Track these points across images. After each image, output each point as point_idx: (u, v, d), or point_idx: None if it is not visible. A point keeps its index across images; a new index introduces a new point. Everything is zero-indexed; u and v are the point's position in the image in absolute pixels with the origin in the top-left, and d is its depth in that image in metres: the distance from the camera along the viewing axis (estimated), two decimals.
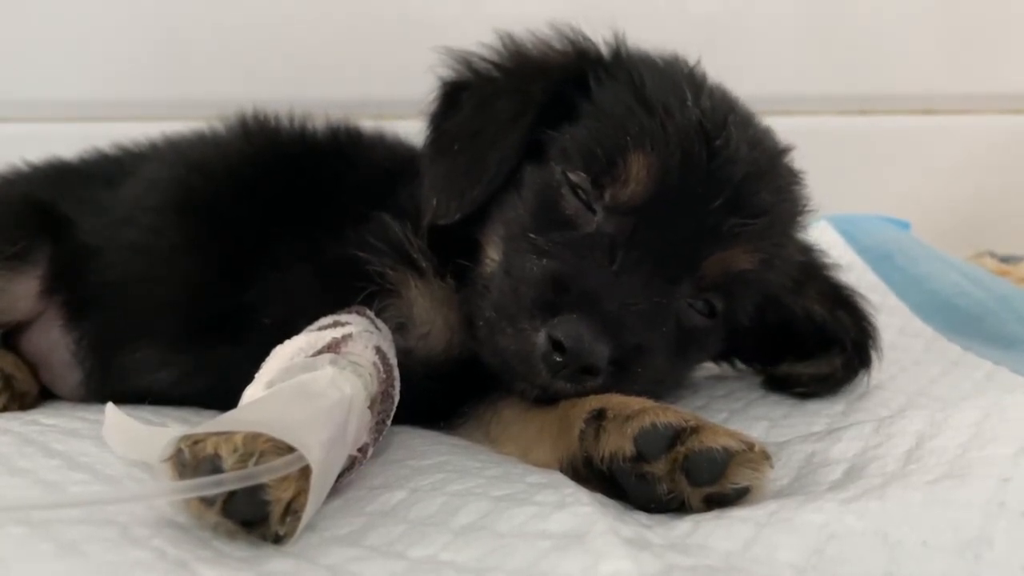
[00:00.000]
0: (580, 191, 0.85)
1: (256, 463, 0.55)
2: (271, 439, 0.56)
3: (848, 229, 1.46)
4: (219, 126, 1.10)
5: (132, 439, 0.60)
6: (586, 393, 0.77)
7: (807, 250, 1.03)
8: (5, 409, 0.97)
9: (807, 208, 0.97)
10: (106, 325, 1.02)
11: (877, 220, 1.52)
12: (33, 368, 1.06)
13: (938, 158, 1.80)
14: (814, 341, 1.02)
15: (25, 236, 1.02)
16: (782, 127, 1.75)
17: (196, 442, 0.56)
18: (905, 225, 1.54)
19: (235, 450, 0.55)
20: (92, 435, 0.77)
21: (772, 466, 0.67)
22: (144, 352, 0.99)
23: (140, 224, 1.02)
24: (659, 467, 0.66)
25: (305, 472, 0.57)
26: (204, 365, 0.95)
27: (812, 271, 1.02)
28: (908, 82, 1.77)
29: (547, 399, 0.80)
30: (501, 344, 0.80)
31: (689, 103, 0.85)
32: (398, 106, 1.36)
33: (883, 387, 1.05)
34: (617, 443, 0.68)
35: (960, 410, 0.76)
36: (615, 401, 0.74)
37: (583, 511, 0.62)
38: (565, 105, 0.90)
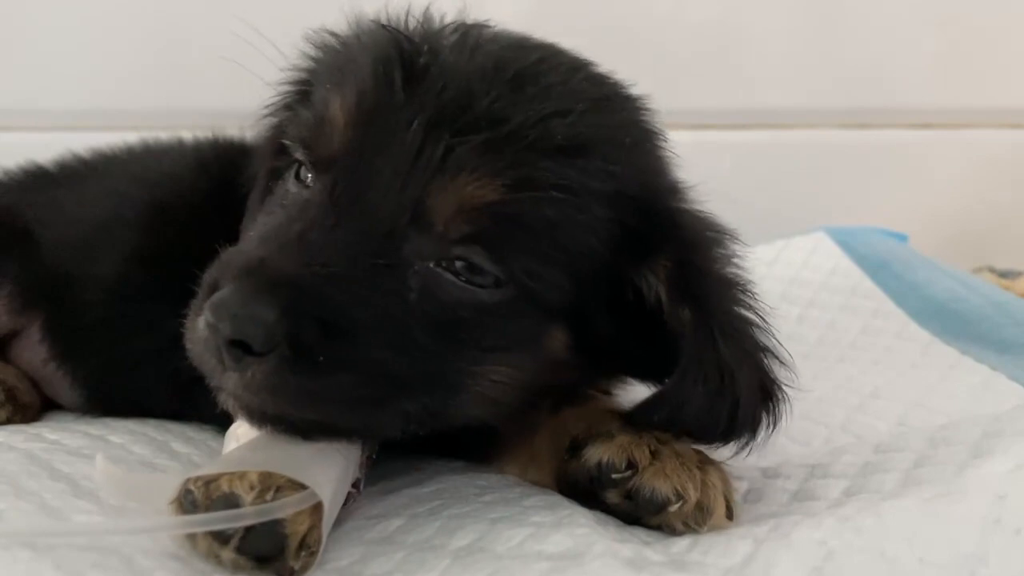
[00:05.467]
0: (302, 170, 0.72)
1: (273, 498, 0.56)
2: (283, 475, 0.57)
3: (846, 240, 1.47)
4: (186, 146, 1.08)
5: (129, 488, 0.60)
6: (258, 388, 0.59)
7: (660, 192, 0.74)
8: (8, 422, 0.96)
9: (618, 124, 0.73)
10: (92, 366, 1.00)
11: (875, 232, 1.52)
12: (33, 379, 1.07)
13: (936, 172, 1.80)
14: None
15: None
16: (781, 140, 1.78)
17: (209, 482, 0.57)
18: (903, 238, 1.55)
19: (252, 487, 0.56)
20: (95, 456, 0.77)
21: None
22: (134, 391, 0.98)
23: (105, 265, 0.98)
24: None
25: (316, 508, 0.58)
26: (192, 406, 0.92)
27: (669, 230, 0.71)
28: (907, 96, 1.77)
29: (256, 411, 0.63)
30: (188, 350, 0.65)
31: (383, 29, 0.72)
32: None
33: (879, 395, 1.05)
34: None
35: (958, 428, 0.77)
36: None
37: (580, 532, 0.62)
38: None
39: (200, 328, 0.60)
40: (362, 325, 0.61)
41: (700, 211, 0.75)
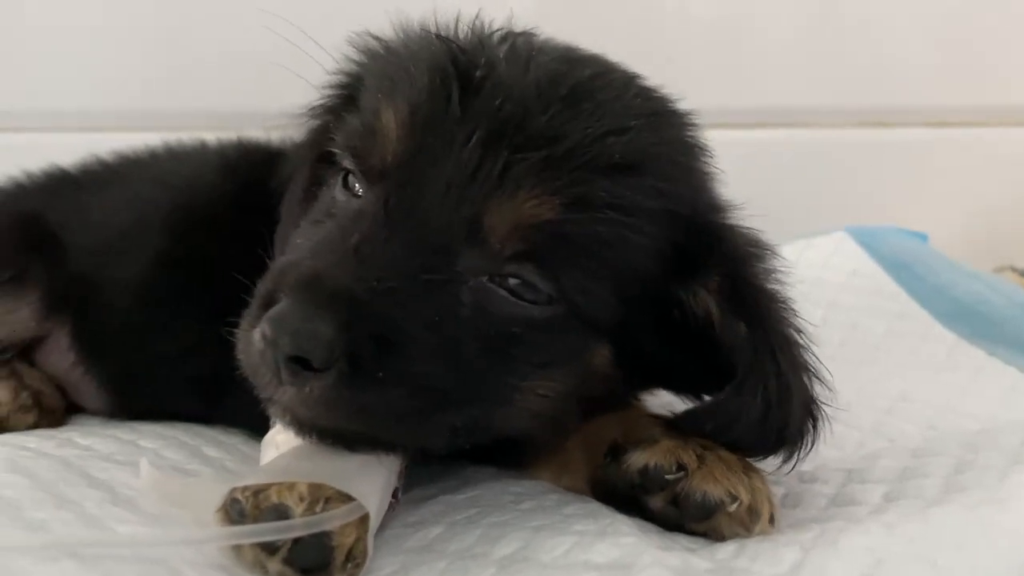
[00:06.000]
0: (349, 178, 0.71)
1: (322, 510, 0.56)
2: (331, 487, 0.58)
3: (867, 240, 1.46)
4: (210, 149, 1.08)
5: (173, 495, 0.60)
6: (315, 402, 0.59)
7: (707, 209, 0.74)
8: (35, 426, 0.96)
9: (668, 141, 0.72)
10: (119, 370, 1.01)
11: (895, 232, 1.51)
12: (58, 384, 1.06)
13: (956, 171, 1.79)
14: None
15: (23, 257, 1.00)
16: (799, 139, 1.77)
17: (258, 492, 0.57)
18: (923, 237, 1.54)
19: (302, 499, 0.56)
20: (129, 461, 0.77)
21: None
22: (161, 395, 0.98)
23: (130, 270, 0.98)
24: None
25: (363, 520, 0.58)
26: (219, 409, 0.94)
27: (718, 246, 0.71)
28: (925, 94, 1.76)
29: (310, 425, 0.63)
30: (240, 361, 0.64)
31: (438, 38, 0.72)
32: None
33: (908, 398, 1.04)
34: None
35: (995, 433, 0.76)
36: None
37: (626, 541, 0.62)
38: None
39: (256, 341, 0.59)
40: (417, 340, 0.61)
41: (744, 227, 0.75)
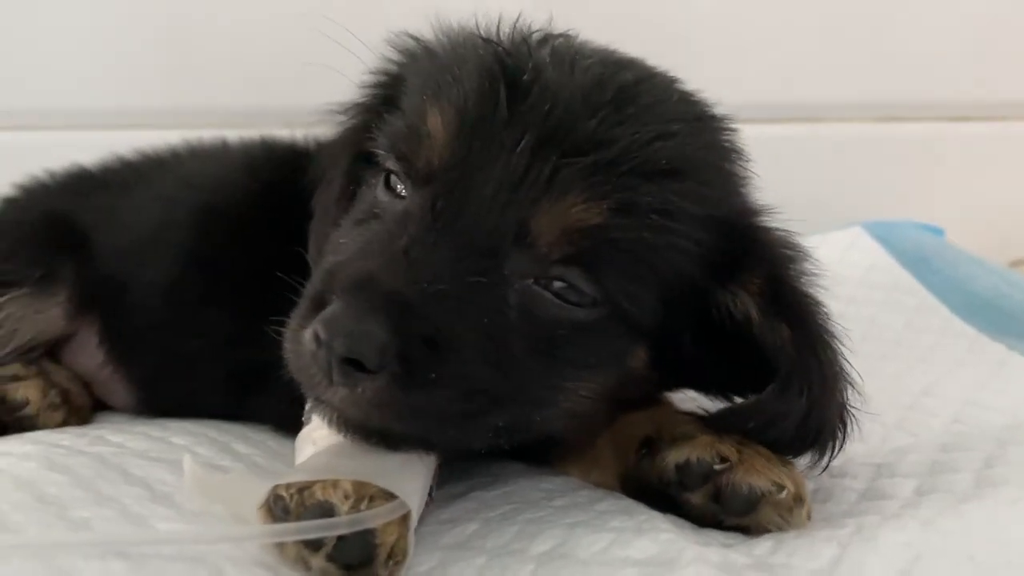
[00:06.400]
0: (392, 178, 0.72)
1: (366, 508, 0.57)
2: (375, 484, 0.58)
3: (883, 235, 1.46)
4: (233, 148, 1.09)
5: (216, 491, 0.61)
6: (367, 403, 0.60)
7: (745, 213, 0.74)
8: (64, 424, 0.97)
9: (709, 146, 0.73)
10: (148, 368, 1.02)
11: (911, 226, 1.51)
12: (85, 381, 1.07)
13: (972, 165, 1.78)
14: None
15: (52, 257, 1.01)
16: (816, 134, 1.77)
17: (302, 489, 0.58)
18: (939, 232, 1.54)
19: (347, 496, 0.57)
20: (162, 458, 0.77)
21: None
22: (190, 392, 0.99)
23: (158, 270, 1.00)
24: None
25: (404, 518, 0.59)
26: (246, 406, 0.95)
27: (757, 249, 0.72)
28: (942, 89, 1.75)
29: (358, 425, 0.64)
30: (287, 361, 0.65)
31: (484, 41, 0.72)
32: None
33: (930, 393, 1.04)
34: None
35: (1020, 428, 0.77)
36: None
37: (664, 537, 0.62)
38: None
39: (307, 341, 0.60)
40: (465, 342, 0.62)
41: (779, 229, 0.75)
